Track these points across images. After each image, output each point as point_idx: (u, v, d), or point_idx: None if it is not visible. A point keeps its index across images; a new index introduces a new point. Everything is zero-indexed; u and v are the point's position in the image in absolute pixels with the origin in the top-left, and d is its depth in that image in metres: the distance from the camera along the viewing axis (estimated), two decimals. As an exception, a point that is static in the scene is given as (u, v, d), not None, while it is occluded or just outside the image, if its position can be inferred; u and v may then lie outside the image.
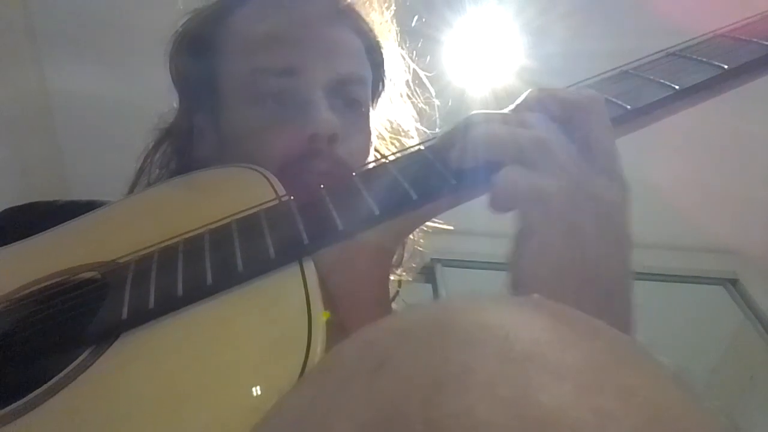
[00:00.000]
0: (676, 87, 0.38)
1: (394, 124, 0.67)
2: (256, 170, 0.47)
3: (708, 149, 1.79)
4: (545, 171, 0.33)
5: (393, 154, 0.43)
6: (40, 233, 0.48)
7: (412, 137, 0.67)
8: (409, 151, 0.42)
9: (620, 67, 0.42)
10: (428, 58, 0.70)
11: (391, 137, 0.66)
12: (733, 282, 2.22)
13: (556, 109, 0.37)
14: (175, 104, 0.65)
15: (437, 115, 0.71)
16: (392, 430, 0.15)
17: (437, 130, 0.69)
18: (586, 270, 0.31)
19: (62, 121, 1.96)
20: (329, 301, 0.33)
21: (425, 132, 0.68)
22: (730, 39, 0.42)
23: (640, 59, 0.42)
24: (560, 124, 0.36)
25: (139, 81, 1.78)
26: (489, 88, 1.85)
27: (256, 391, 0.28)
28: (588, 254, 0.32)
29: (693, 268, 2.21)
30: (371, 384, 0.16)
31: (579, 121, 0.36)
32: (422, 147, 0.40)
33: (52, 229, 0.48)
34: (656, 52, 0.42)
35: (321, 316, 0.31)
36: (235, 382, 0.29)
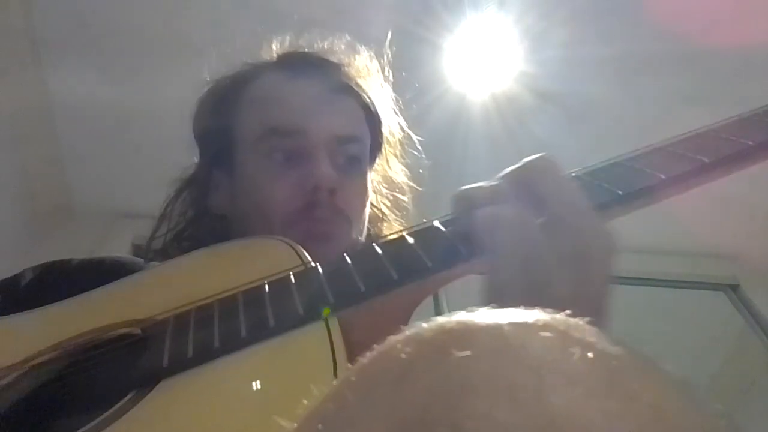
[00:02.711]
0: (662, 176, 0.42)
1: (389, 181, 0.77)
2: (283, 241, 0.52)
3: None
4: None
5: (407, 228, 0.47)
6: (78, 296, 0.51)
7: (406, 191, 0.78)
8: (422, 226, 0.46)
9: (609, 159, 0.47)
10: (408, 55, 0.72)
11: (386, 192, 0.76)
12: (734, 287, 2.22)
13: (511, 186, 0.40)
14: (196, 158, 0.72)
15: (427, 174, 0.83)
16: None
17: (422, 189, 0.80)
18: (555, 295, 0.34)
19: (63, 126, 1.97)
20: (352, 355, 0.35)
21: (417, 188, 0.79)
22: (709, 138, 0.46)
23: (627, 153, 0.47)
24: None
25: (140, 86, 1.79)
26: (489, 93, 1.86)
27: (284, 422, 0.30)
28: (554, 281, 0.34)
29: (694, 273, 2.22)
30: (395, 393, 0.17)
31: (531, 185, 0.39)
32: (435, 223, 0.44)
33: (88, 292, 0.52)
34: (643, 147, 0.47)
35: (346, 365, 0.33)
36: (265, 420, 0.31)
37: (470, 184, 0.43)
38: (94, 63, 1.78)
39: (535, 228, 0.36)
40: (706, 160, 0.43)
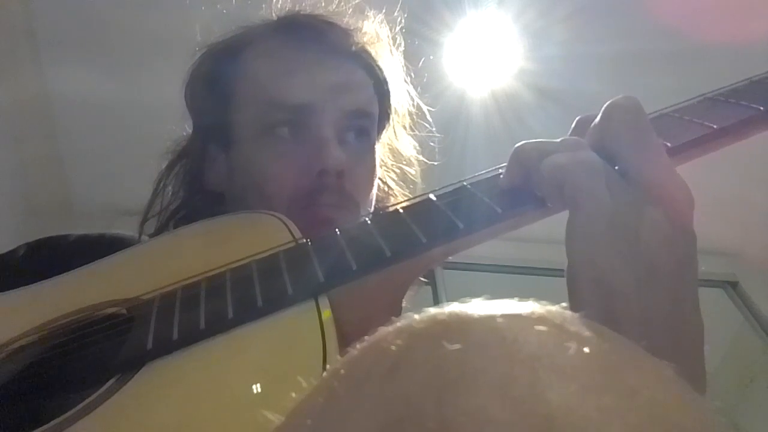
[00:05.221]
0: (714, 126, 0.41)
1: (396, 153, 0.71)
2: (274, 216, 0.50)
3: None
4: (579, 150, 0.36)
5: (402, 202, 0.45)
6: (63, 274, 0.50)
7: (413, 165, 0.73)
8: (416, 199, 0.44)
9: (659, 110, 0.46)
10: (423, 59, 0.72)
11: (393, 164, 0.71)
12: (733, 284, 2.22)
13: (590, 138, 0.38)
14: (188, 129, 0.67)
15: (437, 148, 0.78)
16: (407, 428, 0.15)
17: (435, 162, 0.76)
18: (642, 240, 0.32)
19: (63, 124, 1.96)
20: (342, 335, 0.34)
21: (426, 162, 0.74)
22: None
23: (678, 103, 0.46)
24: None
25: (140, 83, 1.78)
26: (488, 89, 1.86)
27: (271, 415, 0.30)
28: (641, 223, 0.33)
29: (693, 270, 2.21)
30: (385, 385, 0.17)
31: (605, 140, 0.38)
32: (430, 195, 0.43)
33: (74, 270, 0.50)
34: (692, 98, 0.47)
35: (335, 349, 0.32)
36: (252, 408, 0.30)
37: (469, 180, 0.43)
38: (94, 60, 1.78)
39: (618, 175, 0.34)
40: (762, 108, 0.42)
